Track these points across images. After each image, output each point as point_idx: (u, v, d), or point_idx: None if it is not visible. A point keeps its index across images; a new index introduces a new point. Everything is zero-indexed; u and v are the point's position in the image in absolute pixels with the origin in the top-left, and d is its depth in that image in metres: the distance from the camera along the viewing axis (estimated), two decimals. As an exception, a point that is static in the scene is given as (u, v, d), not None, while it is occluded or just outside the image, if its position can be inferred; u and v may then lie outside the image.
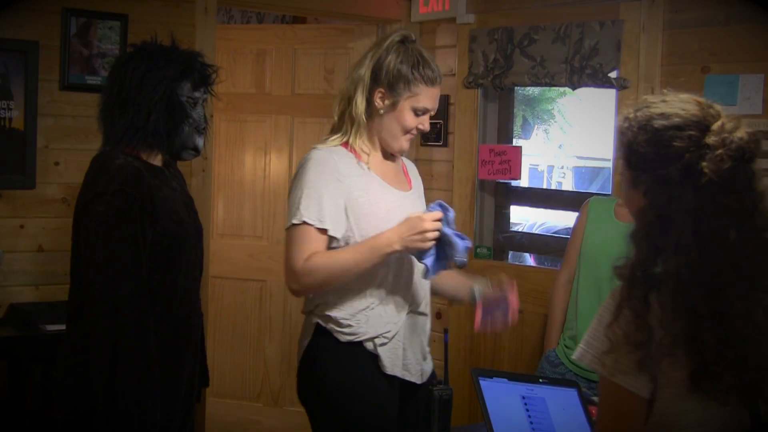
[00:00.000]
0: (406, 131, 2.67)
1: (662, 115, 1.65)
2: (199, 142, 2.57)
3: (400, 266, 2.62)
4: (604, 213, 3.39)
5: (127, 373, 2.32)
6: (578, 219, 3.48)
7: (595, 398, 2.79)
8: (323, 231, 2.51)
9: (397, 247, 2.47)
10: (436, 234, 2.49)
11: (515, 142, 4.74)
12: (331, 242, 2.54)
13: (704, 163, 1.59)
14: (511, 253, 4.80)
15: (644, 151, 1.65)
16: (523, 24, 4.07)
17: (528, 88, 7.21)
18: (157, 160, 2.52)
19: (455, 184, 4.41)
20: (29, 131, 3.61)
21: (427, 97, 2.69)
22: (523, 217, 7.93)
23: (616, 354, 1.63)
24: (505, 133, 4.50)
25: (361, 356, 2.57)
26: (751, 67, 3.40)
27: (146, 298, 2.37)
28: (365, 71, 2.64)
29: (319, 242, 2.50)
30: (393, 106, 2.65)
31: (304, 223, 2.49)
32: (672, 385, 1.63)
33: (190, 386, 2.61)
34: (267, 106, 4.97)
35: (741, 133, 1.63)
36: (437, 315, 4.61)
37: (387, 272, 2.59)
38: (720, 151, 1.59)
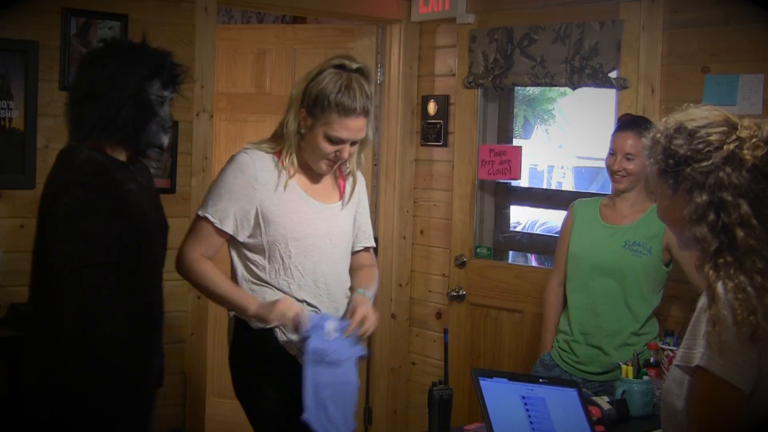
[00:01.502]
0: (323, 156, 2.70)
1: (692, 120, 1.80)
2: (165, 140, 2.57)
3: (318, 265, 2.74)
4: (590, 215, 3.40)
5: (100, 361, 2.34)
6: (564, 223, 3.50)
7: (595, 398, 2.80)
8: (222, 232, 2.67)
9: (251, 311, 2.65)
10: (290, 323, 2.62)
11: (515, 142, 4.74)
12: (236, 240, 2.71)
13: (745, 151, 1.74)
14: (511, 253, 4.80)
15: (683, 150, 1.77)
16: (523, 24, 4.07)
17: (528, 88, 7.21)
18: (122, 156, 2.53)
19: (455, 184, 4.41)
20: (29, 131, 3.62)
21: (342, 127, 2.66)
22: (522, 218, 7.93)
23: (726, 351, 1.71)
24: (505, 133, 4.50)
25: (273, 344, 2.70)
26: (751, 67, 3.40)
27: (114, 288, 2.39)
28: (298, 90, 2.73)
29: (214, 239, 2.70)
30: (311, 129, 2.69)
31: (206, 218, 2.67)
32: None
33: (156, 380, 2.64)
34: (267, 106, 4.96)
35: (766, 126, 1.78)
36: (437, 315, 4.61)
37: (304, 271, 2.73)
38: (754, 140, 1.75)
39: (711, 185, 1.74)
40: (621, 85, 3.75)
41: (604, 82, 3.81)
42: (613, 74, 3.79)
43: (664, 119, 1.86)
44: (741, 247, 1.72)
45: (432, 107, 4.62)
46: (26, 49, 3.59)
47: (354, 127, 2.66)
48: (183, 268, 2.75)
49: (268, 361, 2.71)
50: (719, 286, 1.73)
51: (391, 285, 4.72)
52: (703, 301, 1.78)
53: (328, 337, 2.62)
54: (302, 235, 2.71)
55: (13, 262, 3.62)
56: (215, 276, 2.71)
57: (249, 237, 2.72)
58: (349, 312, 2.72)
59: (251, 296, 2.70)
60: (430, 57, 4.68)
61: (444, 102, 4.58)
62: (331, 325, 2.65)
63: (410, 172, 4.73)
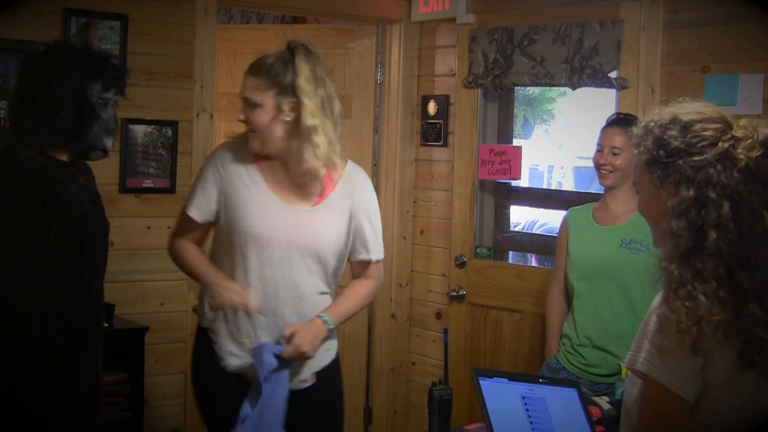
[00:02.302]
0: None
1: (687, 113, 1.77)
2: (108, 143, 2.55)
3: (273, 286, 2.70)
4: (584, 221, 3.40)
5: (30, 364, 2.33)
6: (560, 233, 3.51)
7: (595, 398, 2.80)
8: (193, 218, 2.74)
9: (207, 280, 2.72)
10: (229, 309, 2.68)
11: (515, 142, 4.74)
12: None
13: (739, 150, 1.70)
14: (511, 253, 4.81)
15: (677, 142, 1.73)
16: (523, 24, 4.07)
17: (528, 88, 7.22)
18: (63, 157, 2.51)
19: (455, 184, 4.41)
20: (29, 131, 3.61)
21: (242, 84, 2.73)
22: (521, 218, 7.93)
23: (668, 357, 1.69)
24: (505, 133, 4.50)
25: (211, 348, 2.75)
26: (751, 67, 3.40)
27: (50, 290, 2.38)
28: None
29: (190, 225, 2.75)
30: None
31: (185, 208, 2.75)
32: (720, 371, 1.69)
33: (96, 381, 2.62)
34: (267, 106, 4.96)
35: (765, 129, 1.75)
36: (437, 315, 4.61)
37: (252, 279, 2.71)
38: (750, 140, 1.72)
39: (700, 181, 1.70)
40: (621, 85, 3.75)
41: (604, 82, 3.81)
42: (613, 74, 3.79)
43: (657, 110, 1.83)
44: (709, 248, 1.68)
45: (432, 107, 4.62)
46: (26, 49, 3.58)
47: (248, 84, 2.67)
48: (169, 252, 2.85)
49: (211, 370, 2.76)
50: (674, 288, 1.70)
51: (391, 285, 4.73)
52: (658, 299, 1.75)
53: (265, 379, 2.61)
54: (257, 233, 2.66)
55: (13, 262, 3.62)
56: (189, 254, 2.77)
57: (217, 223, 2.74)
58: (284, 338, 2.65)
59: (217, 273, 2.72)
60: (430, 57, 4.68)
61: (444, 102, 4.58)
62: (267, 357, 2.60)
63: (410, 172, 4.73)
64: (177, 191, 3.99)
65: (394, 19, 4.66)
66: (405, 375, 4.78)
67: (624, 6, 3.76)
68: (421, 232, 4.72)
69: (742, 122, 1.75)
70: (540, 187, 10.93)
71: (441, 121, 4.57)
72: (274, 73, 2.64)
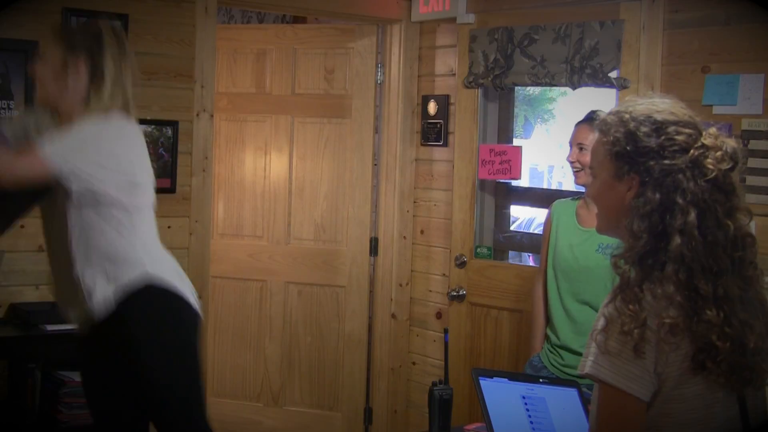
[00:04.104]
0: None
1: (661, 112, 1.76)
2: None
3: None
4: (567, 219, 3.37)
5: None
6: (545, 225, 3.49)
7: (595, 398, 2.79)
8: None
9: None
10: None
11: (515, 141, 4.74)
12: None
13: (709, 161, 1.70)
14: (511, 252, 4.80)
15: (649, 142, 1.73)
16: (524, 24, 4.07)
17: (528, 87, 7.21)
18: None
19: (455, 184, 4.41)
20: (29, 131, 3.62)
21: None
22: (520, 214, 7.93)
23: (614, 357, 1.67)
24: (505, 133, 4.50)
25: None
26: (751, 67, 3.40)
27: None
28: None
29: None
30: None
31: None
32: (671, 371, 1.68)
33: None
34: (267, 106, 4.97)
35: (732, 142, 1.76)
36: (437, 315, 4.61)
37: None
38: (720, 152, 1.72)
39: (668, 185, 1.70)
40: (621, 85, 3.75)
41: (604, 81, 3.81)
42: (613, 74, 3.79)
43: (628, 99, 1.84)
44: (671, 253, 1.68)
45: (432, 107, 4.62)
46: (26, 49, 3.59)
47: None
48: None
49: None
50: (622, 289, 1.71)
51: (391, 285, 4.73)
52: (605, 299, 1.75)
53: None
54: None
55: (13, 262, 3.62)
56: None
57: None
58: None
59: None
60: (430, 57, 4.68)
61: (444, 102, 4.58)
62: None
63: (410, 172, 4.73)
64: (177, 191, 3.98)
65: (394, 18, 4.66)
66: (405, 375, 4.78)
67: (624, 6, 3.75)
68: (422, 231, 4.72)
69: (712, 130, 1.75)
70: (540, 187, 10.93)
71: (441, 120, 4.57)
72: None
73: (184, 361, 2.81)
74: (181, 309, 2.78)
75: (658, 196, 1.70)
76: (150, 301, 2.72)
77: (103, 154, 2.61)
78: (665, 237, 1.69)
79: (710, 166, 1.70)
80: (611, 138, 1.77)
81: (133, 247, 2.71)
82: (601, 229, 1.87)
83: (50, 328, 3.41)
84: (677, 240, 1.67)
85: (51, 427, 3.53)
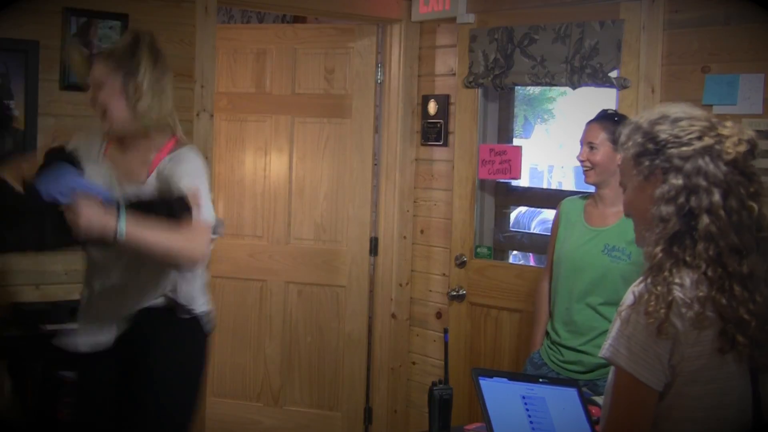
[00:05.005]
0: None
1: (674, 111, 1.86)
2: None
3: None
4: (575, 216, 3.37)
5: None
6: (553, 222, 3.50)
7: (595, 398, 2.80)
8: None
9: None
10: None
11: (515, 141, 4.74)
12: None
13: (727, 145, 1.80)
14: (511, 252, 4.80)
15: (665, 135, 1.82)
16: (524, 24, 4.07)
17: (528, 87, 7.21)
18: None
19: (455, 183, 4.41)
20: (29, 130, 3.62)
21: None
22: (520, 207, 7.94)
23: (632, 342, 1.74)
24: (505, 133, 4.50)
25: None
26: (751, 67, 3.40)
27: None
28: None
29: None
30: None
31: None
32: (685, 366, 1.74)
33: None
34: (267, 106, 4.97)
35: (748, 131, 1.86)
36: (437, 315, 4.61)
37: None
38: (736, 137, 1.81)
39: (689, 170, 1.78)
40: (621, 85, 3.75)
41: (604, 81, 3.81)
42: (613, 74, 3.79)
43: (645, 110, 1.95)
44: (701, 232, 1.75)
45: (432, 107, 4.62)
46: (26, 49, 3.59)
47: (93, 68, 2.74)
48: None
49: None
50: (653, 272, 1.76)
51: (391, 285, 4.73)
52: (635, 282, 1.81)
53: None
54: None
55: (13, 262, 3.62)
56: None
57: None
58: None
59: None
60: (430, 57, 4.68)
61: (444, 102, 4.58)
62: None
63: (410, 171, 4.73)
64: (177, 191, 3.98)
65: (394, 18, 4.66)
66: (405, 375, 4.78)
67: (624, 6, 3.76)
68: (422, 231, 4.72)
69: (729, 123, 1.84)
70: (540, 186, 10.94)
71: (441, 120, 4.57)
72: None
73: (192, 394, 2.88)
74: (207, 348, 2.94)
75: (680, 180, 1.78)
76: (191, 330, 2.89)
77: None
78: (693, 218, 1.76)
79: (729, 150, 1.78)
80: (631, 143, 1.86)
81: (196, 278, 2.94)
82: (638, 241, 1.92)
83: (51, 327, 3.41)
84: (705, 219, 1.75)
85: (51, 427, 3.53)
